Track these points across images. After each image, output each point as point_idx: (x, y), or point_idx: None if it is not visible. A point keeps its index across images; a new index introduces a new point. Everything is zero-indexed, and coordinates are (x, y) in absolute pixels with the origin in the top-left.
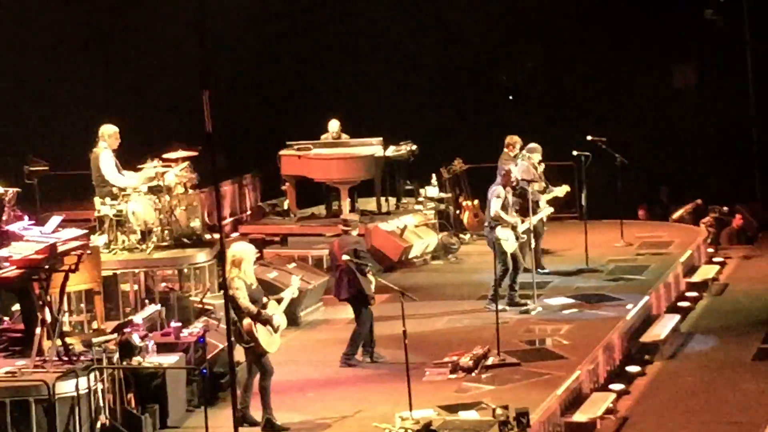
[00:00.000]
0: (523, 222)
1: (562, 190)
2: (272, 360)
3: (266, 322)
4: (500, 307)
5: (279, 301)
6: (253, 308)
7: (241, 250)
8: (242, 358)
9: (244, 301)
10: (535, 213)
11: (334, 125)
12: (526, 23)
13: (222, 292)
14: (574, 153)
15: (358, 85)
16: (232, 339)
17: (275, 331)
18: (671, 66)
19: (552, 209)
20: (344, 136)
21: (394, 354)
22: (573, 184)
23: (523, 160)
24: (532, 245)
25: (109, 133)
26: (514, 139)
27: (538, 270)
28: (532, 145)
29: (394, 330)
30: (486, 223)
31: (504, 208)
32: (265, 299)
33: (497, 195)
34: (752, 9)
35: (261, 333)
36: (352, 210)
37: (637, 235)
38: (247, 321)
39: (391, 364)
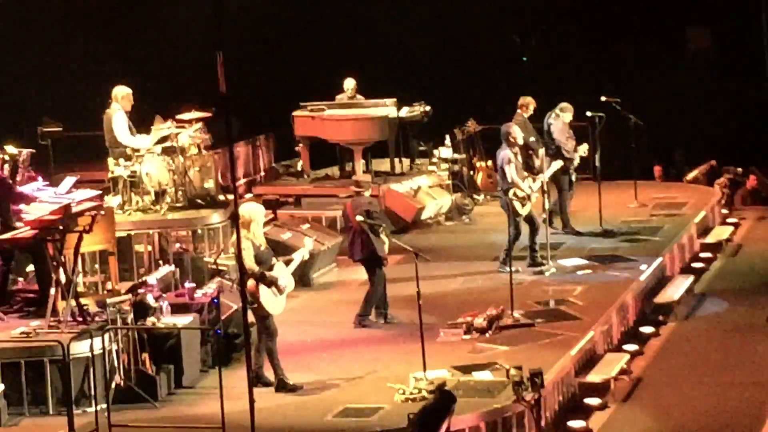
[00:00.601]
0: (534, 180)
1: (583, 149)
2: (286, 321)
3: (270, 283)
4: (520, 268)
5: (288, 262)
6: (257, 269)
7: (250, 211)
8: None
9: (248, 261)
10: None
11: (349, 83)
12: None
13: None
14: (588, 114)
15: (371, 46)
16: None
17: (280, 292)
18: (686, 29)
19: (561, 163)
20: (359, 97)
21: (408, 315)
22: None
23: (556, 120)
24: (547, 205)
25: (122, 94)
26: (527, 100)
27: (566, 230)
28: (563, 104)
29: (407, 291)
30: (499, 187)
31: (516, 171)
32: (274, 260)
33: (508, 161)
34: None
35: (264, 294)
36: (366, 171)
37: (651, 196)
38: (251, 282)
39: (405, 324)
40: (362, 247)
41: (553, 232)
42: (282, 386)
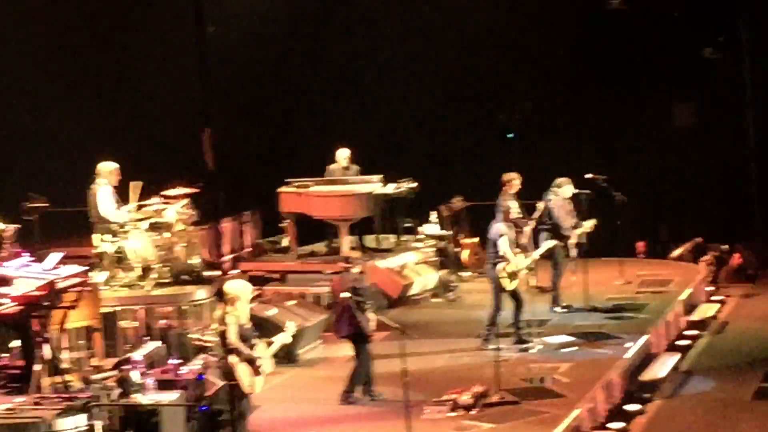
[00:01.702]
0: (525, 257)
1: (590, 224)
2: (271, 397)
3: (249, 361)
4: (506, 345)
5: (269, 344)
6: (240, 346)
7: (237, 288)
8: None
9: (232, 337)
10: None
11: (343, 153)
12: (526, 62)
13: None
14: (575, 191)
15: (358, 122)
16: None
17: (257, 373)
18: (671, 105)
19: (554, 242)
20: (354, 167)
21: (393, 392)
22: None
23: (555, 197)
24: (533, 282)
25: (108, 169)
26: (511, 176)
27: (553, 309)
28: (560, 179)
29: (393, 368)
30: (487, 260)
31: (508, 245)
32: (255, 341)
33: (501, 233)
34: (751, 47)
35: (242, 372)
36: (354, 247)
37: (636, 273)
38: (232, 358)
39: (390, 401)
40: (348, 324)
41: (563, 310)
42: None
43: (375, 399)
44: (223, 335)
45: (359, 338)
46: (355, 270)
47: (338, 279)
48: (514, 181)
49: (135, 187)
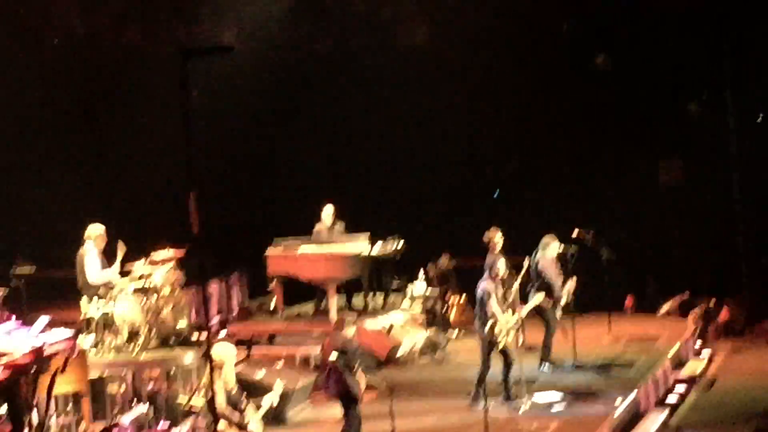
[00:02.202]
0: (513, 314)
1: (572, 283)
2: None
3: (239, 426)
4: (495, 403)
5: (258, 406)
6: (228, 413)
7: (221, 354)
8: None
9: (220, 404)
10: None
11: (328, 210)
12: (513, 118)
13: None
14: (561, 247)
15: (344, 182)
16: None
17: None
18: (657, 161)
19: (542, 296)
20: (339, 223)
21: None
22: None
23: (542, 258)
24: (520, 341)
25: (96, 234)
26: (490, 235)
27: (541, 366)
28: (545, 238)
29: (382, 428)
30: (476, 318)
31: (496, 303)
32: (244, 403)
33: (489, 292)
34: (736, 103)
35: None
36: (342, 308)
37: (624, 329)
38: (221, 425)
39: None
40: (336, 384)
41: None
42: None
43: None
44: (211, 402)
45: (348, 399)
46: (349, 331)
47: (329, 339)
48: (494, 238)
49: (121, 246)
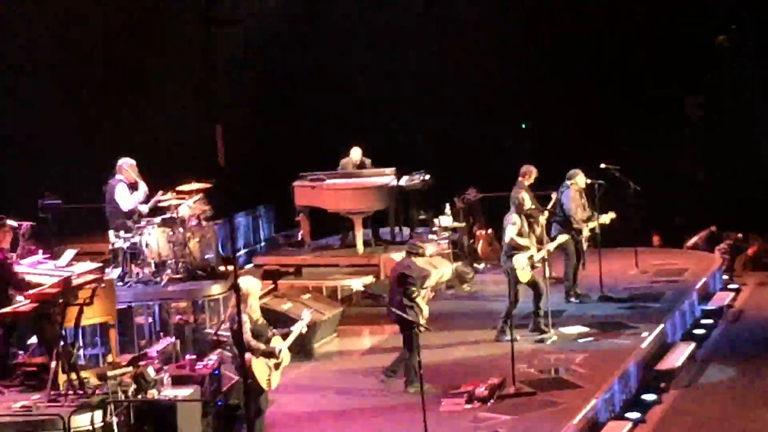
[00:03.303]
0: (539, 250)
1: (607, 217)
2: (287, 391)
3: (270, 356)
4: (519, 336)
5: (285, 336)
6: (255, 343)
7: (247, 285)
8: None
9: (246, 336)
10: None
11: (356, 152)
12: (543, 52)
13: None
14: (588, 181)
15: (372, 116)
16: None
17: (276, 368)
18: (683, 96)
19: (566, 237)
20: (367, 162)
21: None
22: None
23: (567, 189)
24: (547, 274)
25: (126, 165)
26: (529, 169)
27: (571, 299)
28: (571, 171)
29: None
30: (502, 252)
31: (519, 235)
32: (270, 334)
33: (513, 222)
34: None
35: (259, 369)
36: (370, 239)
37: (651, 262)
38: (247, 356)
39: (408, 394)
40: (394, 309)
41: (577, 301)
42: None
43: (386, 378)
44: (236, 333)
45: (403, 326)
46: (419, 259)
47: (395, 264)
48: (531, 173)
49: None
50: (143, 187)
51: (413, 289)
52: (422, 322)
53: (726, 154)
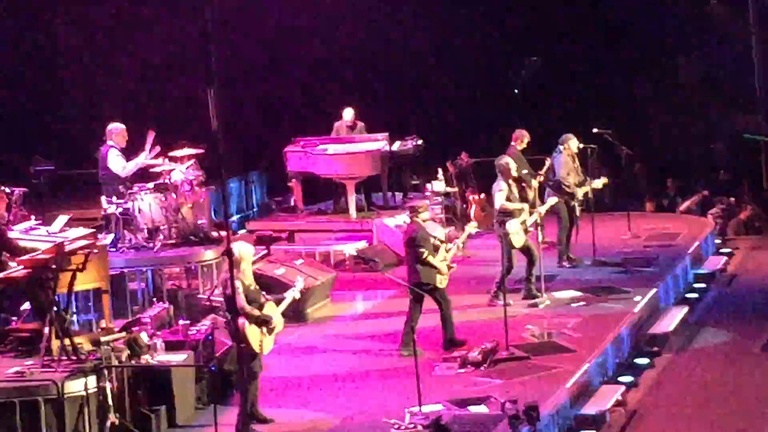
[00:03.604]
0: (531, 214)
1: (599, 183)
2: (281, 356)
3: (263, 322)
4: (512, 301)
5: (278, 302)
6: (249, 308)
7: (240, 250)
8: None
9: (240, 301)
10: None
11: (348, 113)
12: (532, 19)
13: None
14: (581, 145)
15: (363, 81)
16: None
17: (270, 332)
18: (677, 59)
19: (556, 199)
20: (360, 124)
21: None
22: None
23: (559, 153)
24: (540, 238)
25: (116, 131)
26: (521, 133)
27: (560, 263)
28: (564, 136)
29: (402, 325)
30: (494, 218)
31: (509, 200)
32: (263, 299)
33: (500, 189)
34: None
35: (252, 334)
36: (362, 205)
37: (644, 227)
38: (240, 321)
39: (400, 358)
40: (410, 273)
41: (570, 265)
42: (247, 420)
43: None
44: (229, 299)
45: (414, 288)
46: (421, 216)
47: (405, 228)
48: (523, 138)
49: (150, 135)
50: (143, 157)
51: (422, 250)
52: (439, 281)
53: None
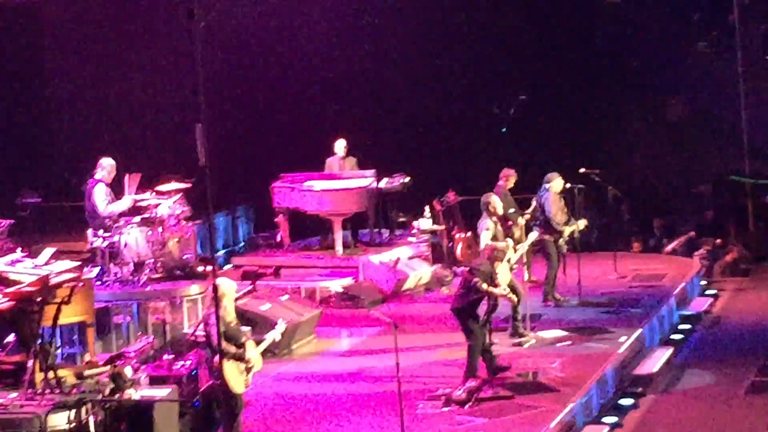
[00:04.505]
0: (515, 251)
1: (581, 224)
2: (264, 392)
3: (239, 359)
4: (497, 339)
5: (258, 342)
6: (224, 344)
7: (222, 287)
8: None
9: (215, 337)
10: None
11: (340, 145)
12: (520, 55)
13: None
14: (567, 185)
15: (351, 118)
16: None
17: (247, 371)
18: (664, 99)
19: (536, 234)
20: (350, 158)
21: (386, 386)
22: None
23: (546, 192)
24: (526, 277)
25: (105, 166)
26: (509, 172)
27: (546, 303)
28: (549, 175)
29: (386, 362)
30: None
31: (495, 239)
32: (244, 338)
33: (486, 228)
34: (745, 41)
35: (229, 371)
36: (346, 241)
37: (630, 267)
38: (216, 358)
39: (382, 394)
40: (459, 298)
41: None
42: None
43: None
44: (208, 335)
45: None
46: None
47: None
48: (510, 177)
49: (132, 179)
50: (128, 201)
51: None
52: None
53: (708, 158)
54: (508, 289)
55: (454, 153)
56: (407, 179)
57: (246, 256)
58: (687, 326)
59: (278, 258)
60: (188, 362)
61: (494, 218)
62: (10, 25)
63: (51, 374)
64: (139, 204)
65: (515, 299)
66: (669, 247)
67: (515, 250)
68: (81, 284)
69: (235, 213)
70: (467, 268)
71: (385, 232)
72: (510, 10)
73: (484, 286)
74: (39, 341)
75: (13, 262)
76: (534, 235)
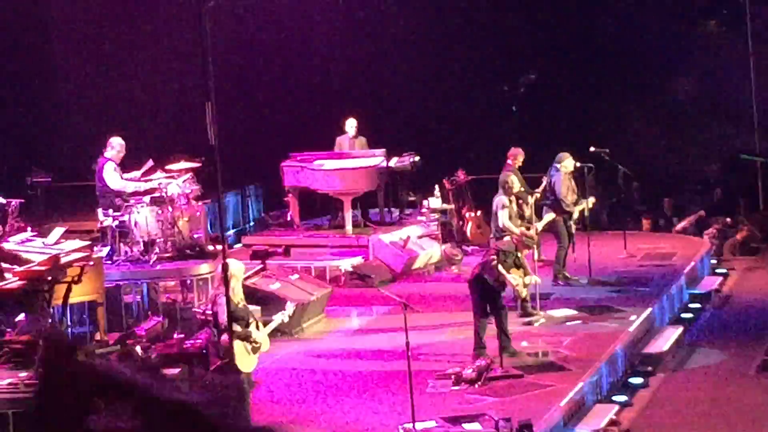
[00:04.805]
0: (528, 230)
1: (590, 201)
2: (274, 370)
3: (244, 338)
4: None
5: (266, 323)
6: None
7: (230, 267)
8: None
9: (221, 316)
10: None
11: (351, 124)
12: (531, 35)
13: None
14: (577, 164)
15: (361, 97)
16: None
17: (253, 351)
18: (674, 78)
19: (553, 215)
20: (361, 138)
21: (396, 365)
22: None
23: (557, 172)
24: (536, 256)
25: (114, 144)
26: (517, 151)
27: (558, 282)
28: (560, 155)
29: (396, 341)
30: (491, 234)
31: (510, 218)
32: (251, 319)
33: (503, 205)
34: (755, 19)
35: (236, 351)
36: (356, 221)
37: (640, 246)
38: (224, 337)
39: (394, 373)
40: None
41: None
42: None
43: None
44: (215, 315)
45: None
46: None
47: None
48: (519, 156)
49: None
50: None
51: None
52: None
53: (717, 137)
54: (519, 280)
55: (464, 132)
56: (417, 158)
57: (256, 236)
58: (697, 305)
59: (288, 237)
60: (198, 341)
61: (510, 196)
62: None
63: None
64: (149, 184)
65: (522, 293)
66: (679, 226)
67: (527, 230)
68: (91, 263)
69: (245, 192)
70: (494, 247)
71: (395, 212)
72: None
73: (500, 267)
74: (49, 320)
75: (23, 242)
76: (550, 217)
